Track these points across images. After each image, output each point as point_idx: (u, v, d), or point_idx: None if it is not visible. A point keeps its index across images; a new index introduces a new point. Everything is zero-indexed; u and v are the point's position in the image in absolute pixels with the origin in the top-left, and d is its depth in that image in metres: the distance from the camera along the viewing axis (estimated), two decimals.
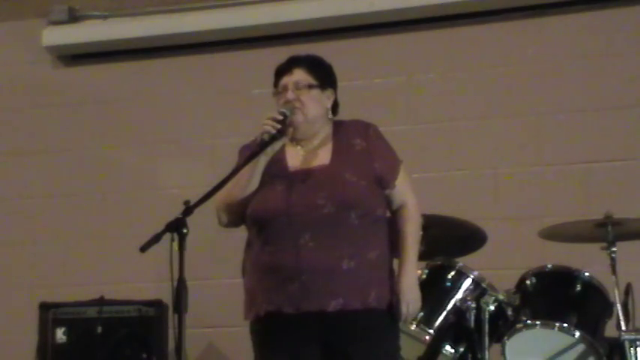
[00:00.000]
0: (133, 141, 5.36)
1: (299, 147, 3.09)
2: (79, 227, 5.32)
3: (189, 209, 2.79)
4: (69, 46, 5.45)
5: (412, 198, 3.11)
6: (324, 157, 3.05)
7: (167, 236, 2.73)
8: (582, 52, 4.83)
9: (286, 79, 3.10)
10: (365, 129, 3.11)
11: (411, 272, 3.05)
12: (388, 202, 3.08)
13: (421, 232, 3.15)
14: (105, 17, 5.44)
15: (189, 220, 2.77)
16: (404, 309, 3.00)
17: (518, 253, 4.58)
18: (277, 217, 2.95)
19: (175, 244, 2.72)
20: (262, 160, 2.99)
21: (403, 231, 3.07)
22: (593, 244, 3.77)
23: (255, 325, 3.06)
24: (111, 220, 5.28)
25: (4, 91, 5.55)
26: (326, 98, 3.12)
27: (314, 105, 3.07)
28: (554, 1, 4.84)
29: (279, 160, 3.05)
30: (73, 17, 5.45)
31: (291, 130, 3.01)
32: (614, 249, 3.69)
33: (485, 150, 4.89)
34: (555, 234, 3.92)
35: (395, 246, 3.07)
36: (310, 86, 3.07)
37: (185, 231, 2.74)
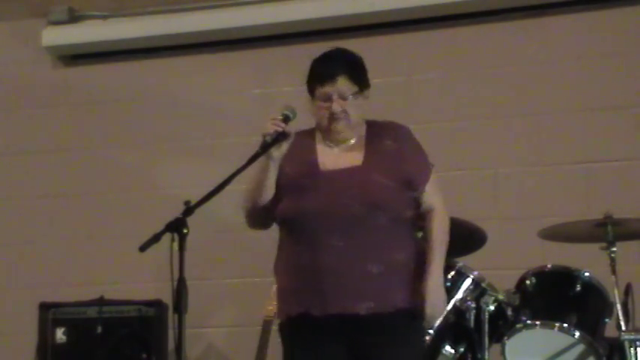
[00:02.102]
0: (133, 141, 5.35)
1: (334, 147, 3.10)
2: (79, 227, 5.32)
3: (189, 209, 2.79)
4: (69, 46, 5.45)
5: (440, 201, 3.13)
6: (356, 157, 3.06)
7: (167, 236, 2.73)
8: (582, 52, 4.83)
9: (329, 89, 3.06)
10: (397, 131, 3.14)
11: (437, 274, 3.05)
12: (416, 204, 3.08)
13: (448, 237, 3.15)
14: (105, 17, 5.44)
15: (190, 220, 2.77)
16: (429, 311, 3.01)
17: (518, 253, 4.57)
18: (308, 217, 2.97)
19: (175, 244, 2.72)
20: (271, 167, 3.01)
21: (430, 233, 3.09)
22: (593, 244, 3.77)
23: (286, 324, 3.07)
24: (111, 220, 5.28)
25: (4, 91, 5.55)
26: (365, 100, 3.12)
27: (357, 112, 3.08)
28: (554, 1, 4.84)
29: (309, 159, 3.06)
30: (73, 17, 5.44)
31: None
32: (613, 249, 3.68)
33: (485, 150, 4.89)
34: (555, 234, 3.92)
35: (422, 247, 3.08)
36: (354, 94, 3.07)
37: (185, 231, 2.74)
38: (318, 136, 3.13)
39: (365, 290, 2.91)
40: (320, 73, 3.10)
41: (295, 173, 3.04)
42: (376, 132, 3.12)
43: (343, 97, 3.05)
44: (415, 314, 2.99)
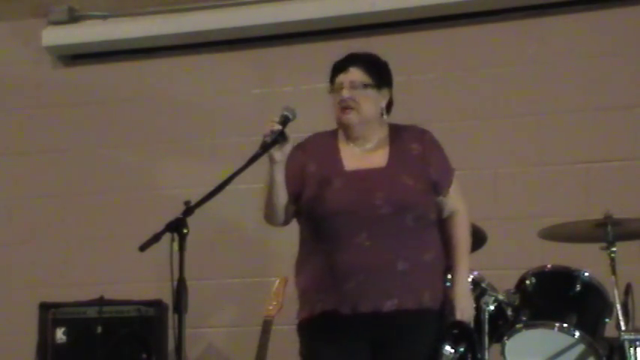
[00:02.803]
0: (133, 141, 5.35)
1: (355, 147, 3.10)
2: (79, 227, 5.31)
3: (189, 209, 2.78)
4: (69, 46, 5.45)
5: (463, 206, 3.16)
6: (381, 159, 3.07)
7: (167, 236, 2.73)
8: (582, 52, 4.83)
9: (342, 77, 3.09)
10: (421, 135, 3.15)
11: (464, 280, 3.10)
12: (439, 208, 3.10)
13: (471, 240, 3.18)
14: (105, 17, 5.44)
15: (190, 220, 2.77)
16: (458, 316, 3.04)
17: (518, 253, 4.57)
18: (335, 215, 2.97)
19: (175, 244, 2.72)
20: (276, 170, 3.00)
21: (455, 238, 3.11)
22: (593, 244, 3.77)
23: (307, 323, 3.06)
24: (111, 220, 5.28)
25: (4, 91, 5.55)
26: (382, 98, 3.13)
27: (369, 105, 3.08)
28: (554, 1, 4.84)
29: (334, 159, 3.07)
30: (73, 17, 5.44)
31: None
32: (613, 249, 3.68)
33: (485, 150, 4.89)
34: (555, 234, 3.92)
35: (446, 250, 3.10)
36: (366, 86, 3.07)
37: (185, 231, 2.74)
38: (341, 137, 3.13)
39: (390, 288, 2.92)
40: (336, 66, 3.14)
41: (320, 173, 3.05)
42: (400, 135, 3.13)
43: (354, 86, 3.06)
44: (442, 315, 3.01)
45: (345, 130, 3.11)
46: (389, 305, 2.91)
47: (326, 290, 2.97)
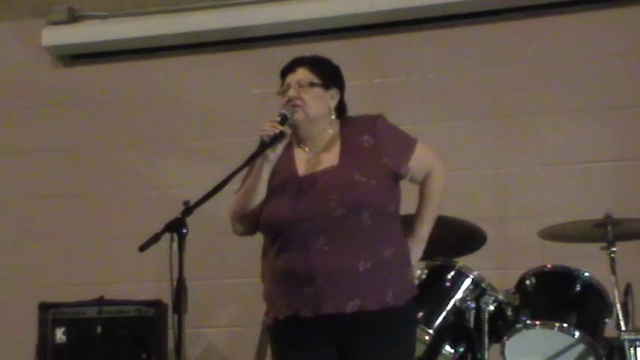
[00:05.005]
0: (133, 141, 5.36)
1: (307, 149, 3.08)
2: (79, 227, 5.32)
3: (189, 209, 2.79)
4: (69, 46, 5.45)
5: (436, 161, 3.16)
6: (332, 158, 3.03)
7: (167, 236, 2.73)
8: (582, 52, 4.83)
9: (290, 78, 3.09)
10: (372, 123, 3.08)
11: (423, 229, 3.14)
12: (414, 180, 3.11)
13: (442, 190, 3.19)
14: (105, 17, 5.44)
15: (189, 220, 2.77)
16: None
17: (518, 253, 4.58)
18: (290, 223, 2.94)
19: (175, 244, 2.72)
20: (266, 169, 2.99)
21: (423, 191, 3.15)
22: (593, 244, 3.77)
23: (275, 326, 3.05)
24: (111, 220, 5.28)
25: (4, 91, 5.55)
26: (330, 97, 3.10)
27: (316, 103, 3.05)
28: (554, 1, 4.84)
29: (288, 165, 3.04)
30: (73, 17, 5.45)
31: (288, 129, 2.99)
32: (613, 249, 3.69)
33: (485, 150, 4.89)
34: (555, 234, 3.92)
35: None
36: (312, 84, 3.06)
37: (185, 231, 2.74)
38: (294, 141, 3.11)
39: (352, 289, 2.89)
40: (283, 69, 3.15)
41: (275, 181, 3.02)
42: (351, 129, 3.09)
43: (300, 84, 3.05)
44: (406, 310, 2.98)
45: (294, 131, 3.08)
46: (351, 306, 2.88)
47: (287, 296, 2.95)
